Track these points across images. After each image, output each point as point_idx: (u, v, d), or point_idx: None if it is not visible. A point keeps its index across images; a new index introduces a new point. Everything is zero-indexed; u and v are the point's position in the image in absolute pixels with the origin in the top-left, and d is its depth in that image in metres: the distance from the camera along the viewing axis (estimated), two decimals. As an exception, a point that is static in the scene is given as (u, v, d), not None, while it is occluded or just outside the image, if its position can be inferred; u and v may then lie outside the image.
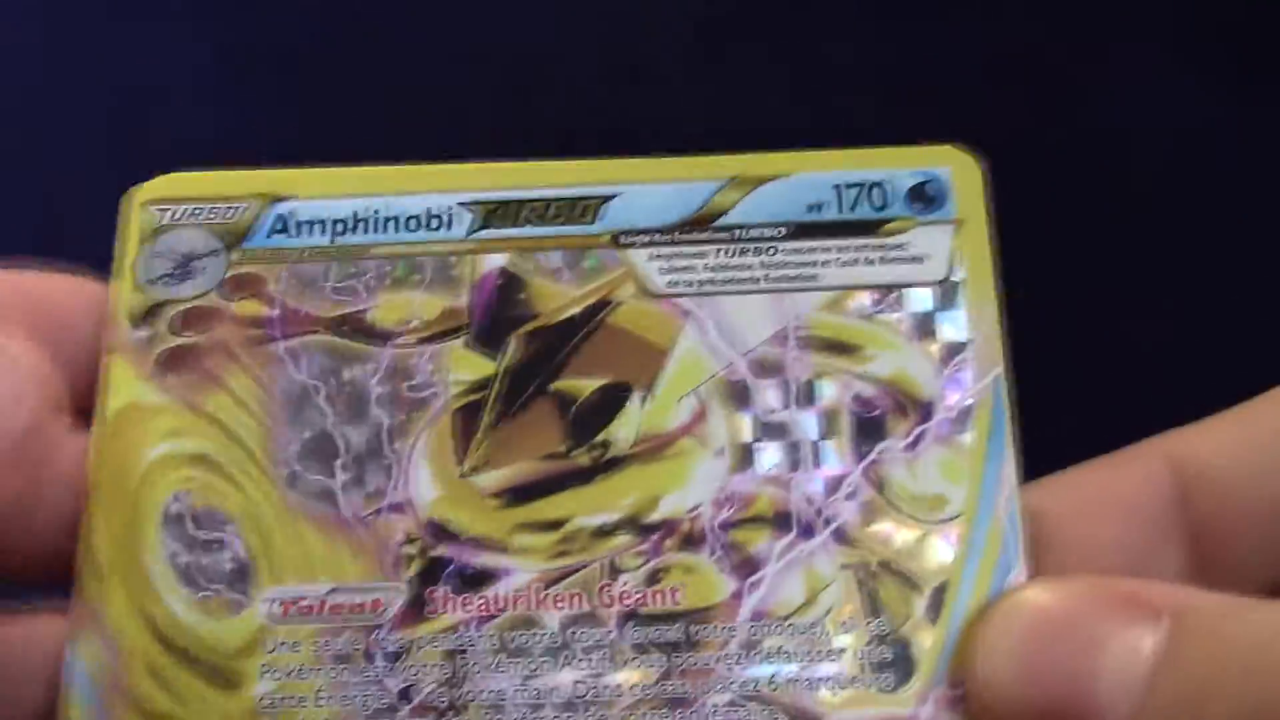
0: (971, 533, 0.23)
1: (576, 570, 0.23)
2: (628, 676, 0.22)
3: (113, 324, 0.24)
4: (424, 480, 0.23)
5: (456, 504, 0.23)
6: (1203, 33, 0.42)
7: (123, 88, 0.44)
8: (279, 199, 0.25)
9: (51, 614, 0.23)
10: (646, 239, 0.24)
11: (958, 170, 0.25)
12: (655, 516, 0.23)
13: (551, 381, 0.24)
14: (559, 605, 0.22)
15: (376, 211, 0.25)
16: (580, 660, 0.22)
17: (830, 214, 0.24)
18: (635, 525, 0.23)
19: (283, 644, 0.22)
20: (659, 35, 0.42)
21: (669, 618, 0.22)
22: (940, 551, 0.22)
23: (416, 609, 0.22)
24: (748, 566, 0.23)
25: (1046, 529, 0.23)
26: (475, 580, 0.23)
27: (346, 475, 0.23)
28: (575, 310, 0.24)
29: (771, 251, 0.24)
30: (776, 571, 0.22)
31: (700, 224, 0.24)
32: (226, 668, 0.22)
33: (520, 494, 0.23)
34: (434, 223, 0.25)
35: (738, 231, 0.24)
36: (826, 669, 0.22)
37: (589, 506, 0.23)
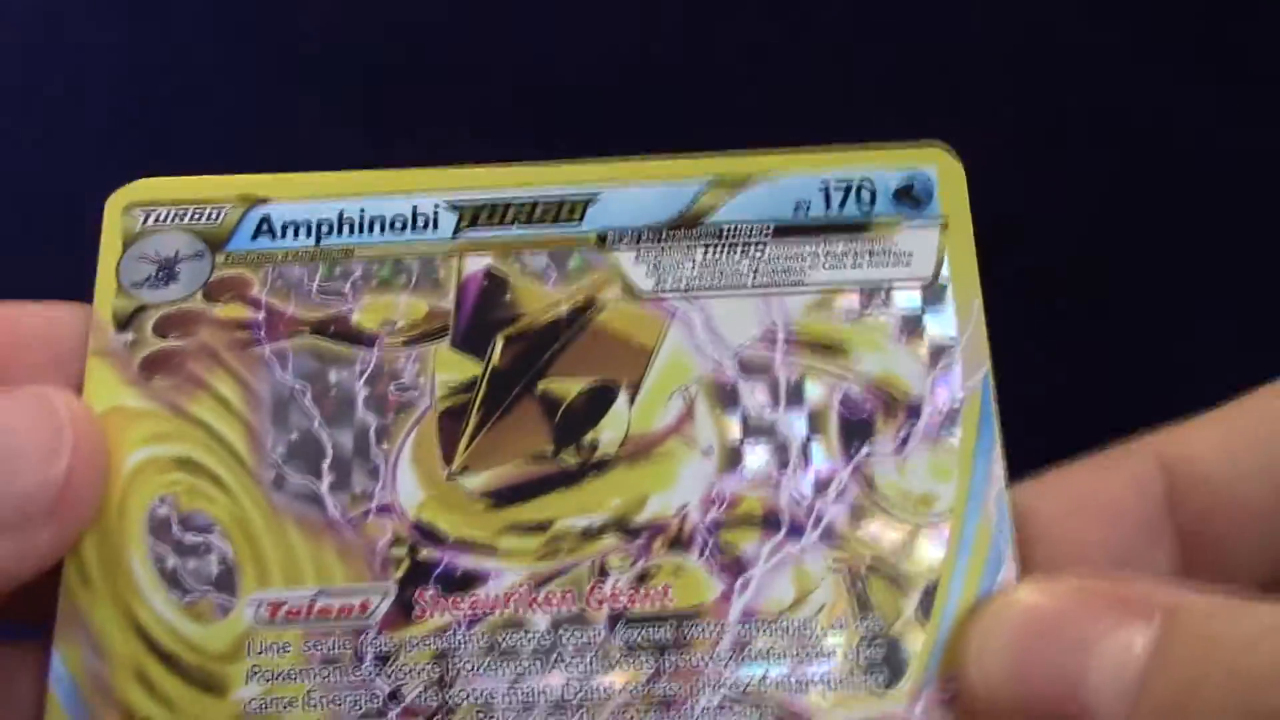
0: (961, 531, 0.23)
1: (565, 571, 0.22)
2: (617, 677, 0.22)
3: (95, 328, 0.24)
4: (411, 482, 0.23)
5: (443, 506, 0.23)
6: (1175, 20, 0.42)
7: (124, 88, 0.43)
8: (262, 201, 0.25)
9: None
10: (632, 240, 0.24)
11: (943, 170, 0.25)
12: (643, 517, 0.23)
13: (537, 383, 0.23)
14: (548, 606, 0.22)
15: (361, 212, 0.24)
16: (570, 661, 0.22)
17: (817, 214, 0.24)
18: (623, 526, 0.23)
19: (270, 647, 0.22)
20: (657, 34, 0.42)
21: (658, 618, 0.22)
22: (930, 550, 0.22)
23: (404, 611, 0.22)
24: (737, 566, 0.22)
25: (1035, 528, 0.23)
26: (463, 582, 0.22)
27: (333, 477, 0.23)
28: (561, 311, 0.24)
29: (758, 251, 0.24)
30: (766, 571, 0.22)
31: (686, 224, 0.24)
32: (212, 671, 0.22)
33: (507, 495, 0.23)
34: (419, 223, 0.24)
35: (725, 231, 0.24)
36: (817, 669, 0.22)
37: (576, 507, 0.23)
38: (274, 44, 0.41)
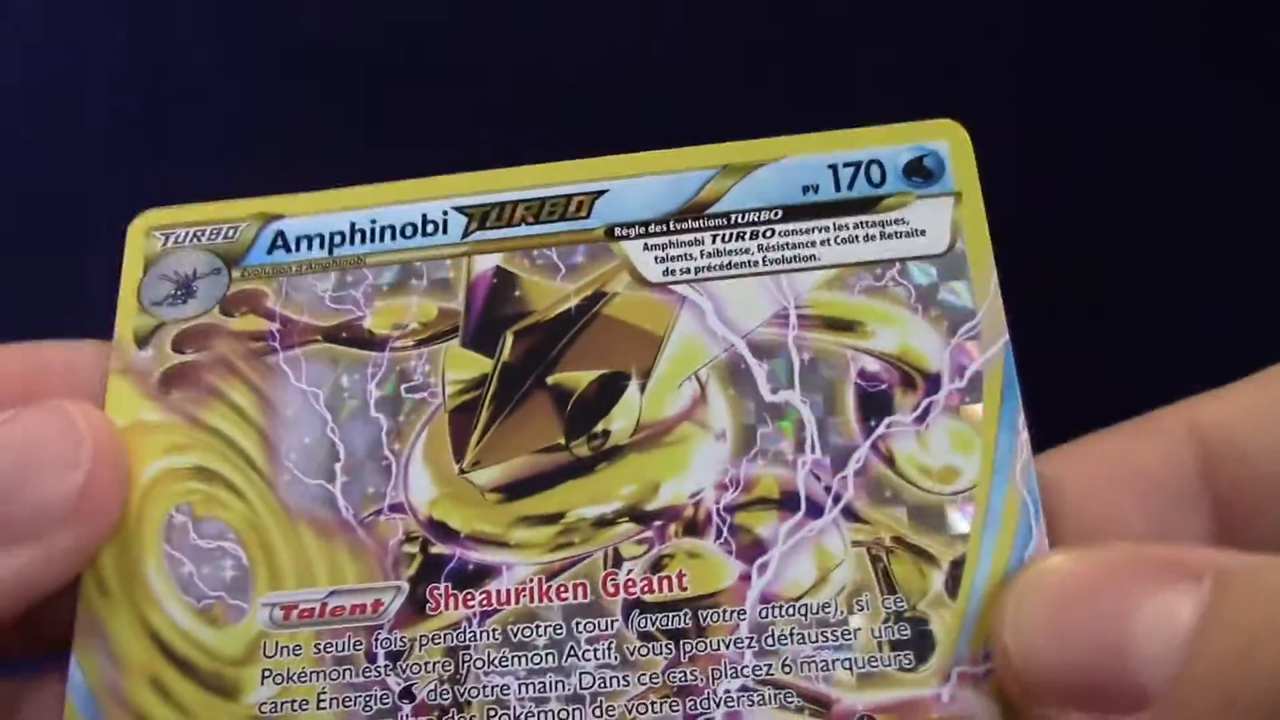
0: (987, 504, 0.22)
1: (578, 561, 0.22)
2: (633, 667, 0.21)
3: (117, 348, 0.24)
4: (423, 480, 0.23)
5: (455, 502, 0.23)
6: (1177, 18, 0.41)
7: (124, 88, 0.44)
8: (276, 217, 0.25)
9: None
10: (640, 230, 0.24)
11: (954, 144, 0.24)
12: (656, 504, 0.22)
13: (548, 375, 0.23)
14: (561, 596, 0.22)
15: (372, 222, 0.25)
16: (585, 651, 0.21)
17: (826, 194, 0.24)
18: (636, 514, 0.22)
19: (283, 649, 0.22)
20: (657, 34, 0.42)
21: (675, 605, 0.22)
22: (956, 524, 0.22)
23: (417, 607, 0.22)
24: (755, 549, 0.22)
25: (1063, 500, 0.22)
26: (475, 576, 0.22)
27: (346, 478, 0.23)
28: (570, 304, 0.24)
29: (768, 234, 0.24)
30: (784, 553, 0.22)
31: (693, 212, 0.24)
32: (227, 676, 0.22)
33: (519, 488, 0.23)
34: (429, 228, 0.24)
35: (732, 217, 0.24)
36: (840, 651, 0.21)
37: (588, 497, 0.22)
38: (274, 44, 0.42)
